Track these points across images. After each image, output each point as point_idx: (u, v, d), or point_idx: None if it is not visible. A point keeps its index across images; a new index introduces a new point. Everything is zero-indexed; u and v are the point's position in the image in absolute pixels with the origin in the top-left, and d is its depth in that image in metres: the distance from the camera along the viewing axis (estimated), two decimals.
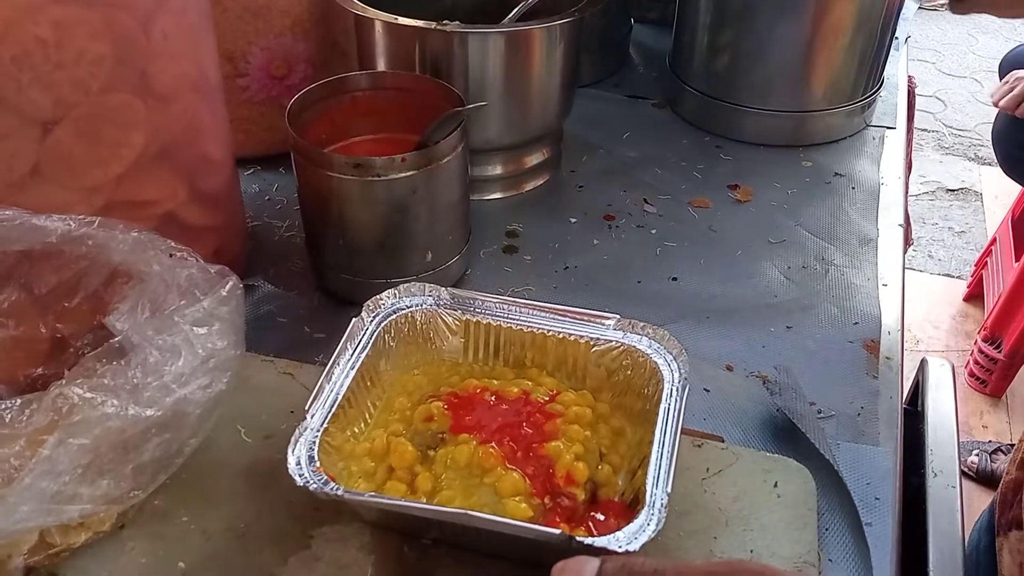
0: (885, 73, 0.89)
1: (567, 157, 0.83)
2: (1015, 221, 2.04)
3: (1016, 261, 1.92)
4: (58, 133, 0.48)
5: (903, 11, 0.97)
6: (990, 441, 1.72)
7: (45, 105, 0.47)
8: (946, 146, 2.69)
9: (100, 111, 0.49)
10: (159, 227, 0.56)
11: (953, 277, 2.27)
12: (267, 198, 0.76)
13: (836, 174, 0.81)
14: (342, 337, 0.51)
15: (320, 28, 0.75)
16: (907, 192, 1.30)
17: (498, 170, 0.77)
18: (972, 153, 2.63)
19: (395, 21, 0.66)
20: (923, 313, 2.15)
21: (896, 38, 0.99)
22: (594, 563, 0.35)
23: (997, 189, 2.47)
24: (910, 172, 1.28)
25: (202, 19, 0.56)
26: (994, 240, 2.10)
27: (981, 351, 1.92)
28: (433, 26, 0.65)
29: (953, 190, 2.52)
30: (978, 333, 1.96)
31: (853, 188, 0.79)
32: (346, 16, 0.70)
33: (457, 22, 0.66)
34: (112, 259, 0.50)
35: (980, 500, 1.60)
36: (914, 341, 2.09)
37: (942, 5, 3.11)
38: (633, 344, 0.51)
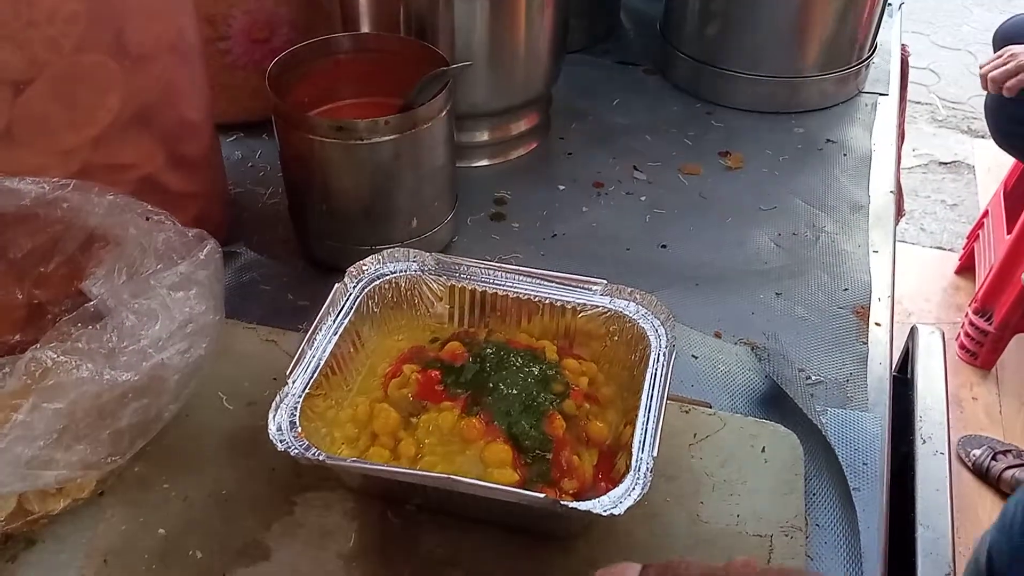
0: (878, 39, 0.88)
1: (556, 124, 0.82)
2: (1007, 194, 2.03)
3: (1008, 234, 1.92)
4: (31, 94, 0.47)
5: None
6: (1000, 441, 1.70)
7: (17, 64, 0.46)
8: (939, 119, 2.68)
9: (74, 71, 0.48)
10: (137, 192, 0.55)
11: (945, 250, 2.27)
12: (250, 165, 0.75)
13: (828, 141, 0.80)
14: (327, 300, 0.50)
15: None
16: (899, 162, 1.30)
17: (485, 136, 0.76)
18: (965, 126, 2.62)
19: None
20: (915, 286, 2.15)
21: (890, 4, 0.98)
22: (635, 568, 0.35)
23: (990, 162, 2.46)
24: (903, 142, 1.27)
25: None
26: (986, 213, 2.10)
27: (972, 323, 1.92)
28: None
29: (946, 163, 2.51)
30: (969, 305, 1.96)
31: (845, 155, 0.78)
32: None
33: None
34: (88, 223, 0.49)
35: (970, 488, 1.61)
36: (905, 314, 2.09)
37: None
38: (620, 310, 0.51)
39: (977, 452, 1.66)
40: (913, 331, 0.67)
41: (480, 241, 0.68)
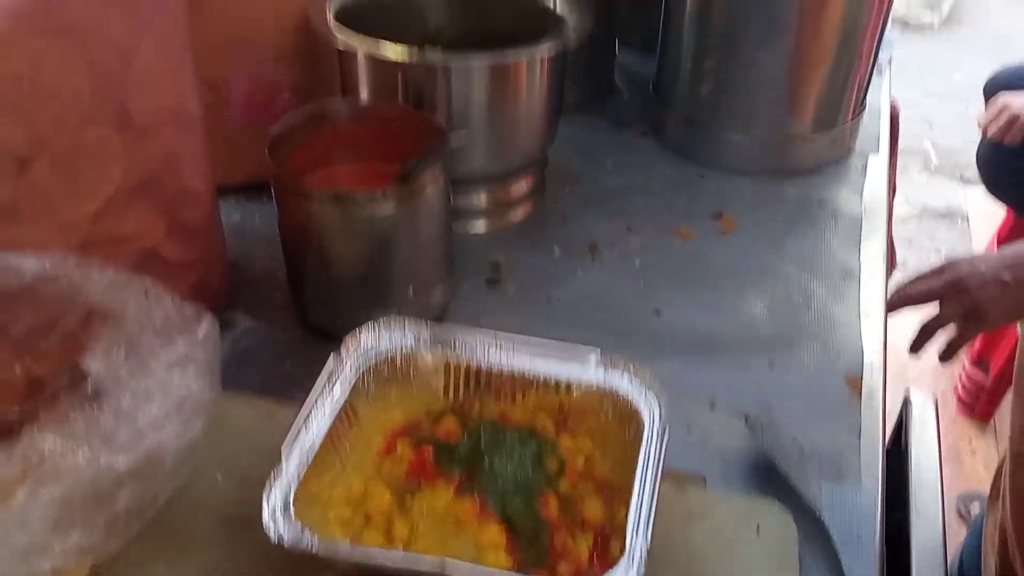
0: (868, 99, 0.89)
1: (551, 186, 0.83)
2: (1000, 244, 2.05)
3: None
4: (34, 170, 0.48)
5: (886, 34, 0.98)
6: None
7: (21, 141, 0.47)
8: (932, 167, 2.71)
9: (77, 146, 0.49)
10: (138, 263, 0.56)
11: None
12: (249, 228, 0.76)
13: (819, 203, 0.81)
14: (321, 374, 0.50)
15: (303, 55, 0.75)
16: (891, 216, 1.31)
17: (482, 200, 0.77)
18: (958, 174, 2.64)
19: (377, 53, 0.66)
20: (911, 337, 2.16)
21: (879, 62, 1.00)
22: None
23: (983, 211, 2.48)
24: (894, 195, 1.29)
25: (181, 50, 0.56)
26: None
27: (969, 376, 1.93)
28: (415, 59, 0.65)
29: (939, 212, 2.54)
30: (965, 356, 1.97)
31: (835, 218, 0.79)
32: (329, 46, 0.70)
33: (439, 52, 0.66)
34: (88, 298, 0.49)
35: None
36: (902, 365, 2.10)
37: (929, 25, 3.14)
38: (613, 385, 0.51)
39: (977, 507, 1.65)
40: (907, 401, 0.68)
41: (476, 307, 0.69)
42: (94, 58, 0.47)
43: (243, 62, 0.72)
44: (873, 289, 0.72)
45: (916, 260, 2.39)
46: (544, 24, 0.76)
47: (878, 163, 0.87)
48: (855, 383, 0.63)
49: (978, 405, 1.91)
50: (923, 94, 3.04)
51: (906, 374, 2.08)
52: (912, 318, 0.81)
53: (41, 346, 0.51)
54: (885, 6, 0.81)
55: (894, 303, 0.78)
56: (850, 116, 0.85)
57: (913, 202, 2.59)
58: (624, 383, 0.51)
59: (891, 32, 0.96)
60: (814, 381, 0.63)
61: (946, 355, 0.83)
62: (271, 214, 0.76)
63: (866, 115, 0.89)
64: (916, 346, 0.78)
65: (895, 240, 1.72)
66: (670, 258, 0.75)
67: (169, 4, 0.53)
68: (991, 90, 1.81)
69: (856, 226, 0.78)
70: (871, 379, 0.64)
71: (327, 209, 0.58)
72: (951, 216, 2.55)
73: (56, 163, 0.48)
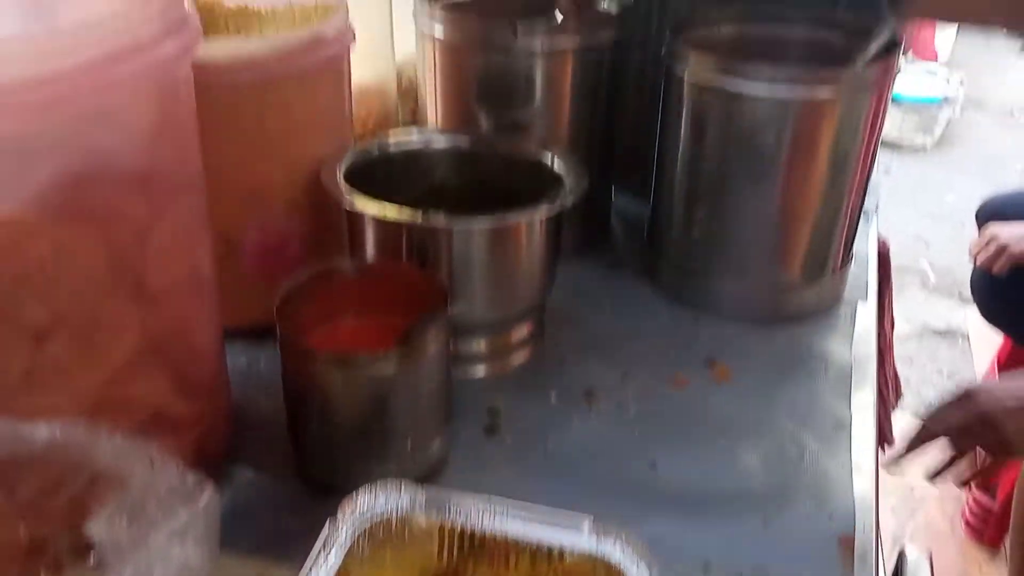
0: (856, 245, 0.93)
1: (550, 329, 0.85)
2: (1000, 368, 2.06)
3: None
4: (52, 342, 0.50)
5: (871, 182, 1.03)
6: None
7: (41, 317, 0.49)
8: (930, 286, 2.75)
9: (94, 319, 0.51)
10: (144, 421, 0.57)
11: None
12: (255, 372, 0.78)
13: (810, 352, 0.83)
14: (319, 533, 0.51)
15: (314, 207, 0.79)
16: (891, 349, 1.33)
17: (482, 346, 0.79)
18: (956, 293, 2.68)
19: (383, 215, 0.70)
20: (930, 467, 2.14)
21: (866, 210, 1.04)
22: None
23: (983, 331, 2.50)
24: (892, 329, 1.31)
25: (198, 222, 0.60)
26: None
27: (976, 500, 1.90)
28: (419, 220, 0.69)
29: (939, 331, 2.56)
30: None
31: (826, 368, 0.81)
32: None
33: (442, 213, 0.70)
34: (95, 464, 0.51)
35: None
36: (909, 488, 2.07)
37: (921, 147, 3.25)
38: (605, 553, 0.52)
39: None
40: (900, 557, 0.68)
41: (473, 457, 0.70)
42: (113, 239, 0.50)
43: (256, 216, 0.75)
44: (864, 441, 0.73)
45: (918, 379, 2.40)
46: (542, 178, 0.81)
47: (866, 311, 0.89)
48: (848, 543, 0.63)
49: (987, 531, 1.88)
50: (918, 214, 3.11)
51: (914, 496, 2.05)
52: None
53: (45, 508, 0.52)
54: (870, 159, 0.85)
55: (918, 440, 0.79)
56: (837, 267, 0.88)
57: (913, 321, 2.62)
58: (616, 552, 0.52)
59: (882, 158, 1.01)
60: (807, 540, 0.63)
61: (968, 483, 0.84)
62: (276, 358, 0.78)
63: (854, 263, 0.92)
64: (935, 476, 0.79)
65: (897, 360, 1.73)
66: (665, 407, 0.76)
67: (187, 183, 0.56)
68: (983, 216, 1.86)
69: (846, 377, 0.80)
70: (863, 537, 0.64)
71: (330, 369, 0.60)
72: (951, 335, 2.57)
73: (72, 335, 0.50)
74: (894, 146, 3.53)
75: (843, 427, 0.74)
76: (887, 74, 0.79)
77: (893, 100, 3.47)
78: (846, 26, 0.88)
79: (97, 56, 0.45)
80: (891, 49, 0.82)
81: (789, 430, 0.74)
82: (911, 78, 3.60)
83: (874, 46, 0.81)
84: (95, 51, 0.45)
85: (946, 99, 3.57)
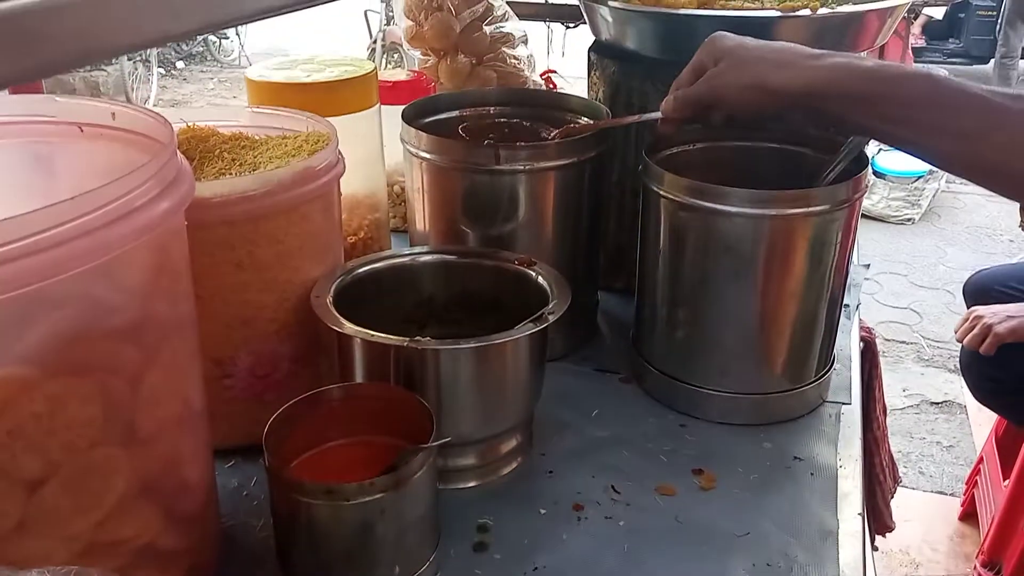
0: (839, 345, 0.95)
1: (538, 437, 0.87)
2: (999, 439, 2.05)
3: (1004, 480, 1.92)
4: (44, 491, 0.51)
5: (850, 280, 1.05)
6: None
7: (35, 467, 0.51)
8: (926, 358, 2.76)
9: (86, 466, 0.53)
10: (135, 559, 0.58)
11: (946, 495, 2.25)
12: (245, 493, 0.79)
13: (795, 458, 0.84)
14: None
15: (304, 329, 0.81)
16: (886, 436, 1.33)
17: (471, 460, 0.80)
18: (952, 364, 2.69)
19: (371, 338, 0.72)
20: (920, 534, 2.12)
21: (847, 306, 1.06)
22: None
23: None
24: (885, 416, 1.32)
25: (189, 358, 0.62)
26: (981, 459, 2.11)
27: None
28: (406, 343, 0.71)
29: (937, 403, 2.56)
30: (976, 558, 1.92)
31: (812, 474, 0.82)
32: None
33: (429, 338, 0.72)
34: None
35: None
36: (913, 565, 2.05)
37: (908, 220, 3.29)
38: None
39: None
40: None
41: None
42: (106, 387, 0.52)
43: (247, 341, 0.77)
44: (852, 549, 0.73)
45: (917, 453, 2.39)
46: (527, 289, 0.83)
47: (851, 412, 0.90)
48: None
49: None
50: (909, 286, 3.15)
51: (919, 574, 2.02)
52: None
53: None
54: (845, 263, 0.87)
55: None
56: (820, 370, 0.90)
57: (911, 393, 2.62)
58: None
59: (870, 231, 1.03)
60: None
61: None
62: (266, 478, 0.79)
63: (838, 360, 0.94)
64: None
65: (896, 435, 1.71)
66: (653, 518, 0.77)
67: (179, 324, 0.58)
68: (970, 292, 1.89)
69: (832, 482, 0.80)
70: None
71: (317, 499, 0.61)
72: (949, 406, 2.57)
73: (65, 483, 0.52)
74: (881, 219, 3.59)
75: (830, 535, 0.74)
76: (857, 188, 0.83)
77: (879, 175, 3.55)
78: (814, 143, 0.92)
79: (94, 222, 0.47)
80: (860, 163, 0.85)
81: (776, 541, 0.74)
82: (896, 154, 3.68)
83: (842, 162, 0.85)
84: (92, 217, 0.47)
85: (931, 172, 3.64)
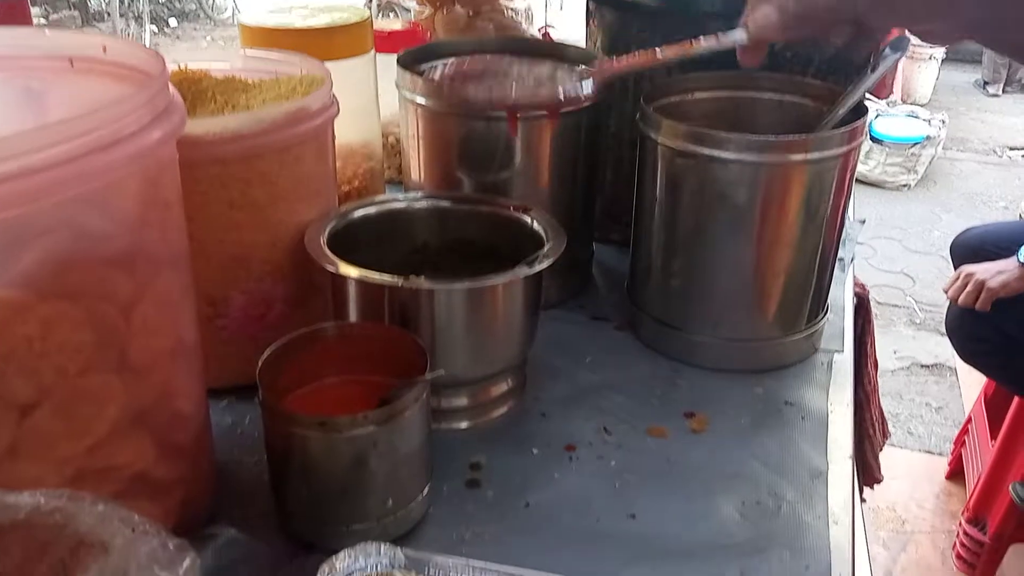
0: (833, 295, 0.95)
1: (532, 382, 0.87)
2: (988, 401, 2.07)
3: (992, 440, 1.94)
4: (36, 414, 0.52)
5: (846, 233, 1.05)
6: None
7: (27, 391, 0.51)
8: (917, 322, 2.77)
9: (78, 391, 0.53)
10: (127, 488, 0.58)
11: (934, 454, 2.28)
12: (239, 431, 0.79)
13: (786, 403, 0.84)
14: None
15: (298, 270, 0.81)
16: (876, 392, 1.34)
17: (464, 401, 0.81)
18: (943, 328, 2.70)
19: (365, 278, 0.72)
20: (907, 492, 2.15)
21: (841, 259, 1.06)
22: None
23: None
24: (876, 370, 1.33)
25: (182, 292, 0.61)
26: (969, 419, 2.13)
27: (967, 533, 1.91)
28: (400, 283, 0.71)
29: (927, 365, 2.58)
30: (962, 514, 1.95)
31: (803, 418, 0.82)
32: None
33: (423, 277, 0.72)
34: (78, 530, 0.52)
35: None
36: (900, 522, 2.08)
37: (905, 185, 3.29)
38: None
39: None
40: None
41: (455, 512, 0.71)
42: (98, 314, 0.52)
43: (240, 281, 0.77)
44: (841, 490, 0.74)
45: (907, 414, 2.41)
46: (523, 236, 0.83)
47: (843, 360, 0.91)
48: None
49: (979, 564, 1.88)
50: (903, 250, 3.15)
51: (905, 529, 2.05)
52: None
53: (30, 574, 0.53)
54: (840, 213, 0.87)
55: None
56: (813, 319, 0.90)
57: (902, 356, 2.64)
58: None
59: (866, 196, 1.03)
60: None
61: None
62: (261, 417, 0.80)
63: (831, 312, 0.94)
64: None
65: (886, 396, 1.73)
66: (644, 458, 0.77)
67: (172, 258, 0.58)
68: (957, 251, 1.88)
69: (822, 426, 0.81)
70: None
71: (311, 432, 0.62)
72: (939, 369, 2.59)
73: (56, 407, 0.52)
74: (878, 185, 3.59)
75: (820, 476, 0.75)
76: (854, 138, 0.82)
77: (877, 140, 3.54)
78: (814, 93, 0.91)
79: (85, 146, 0.47)
80: (858, 113, 0.85)
81: (766, 480, 0.75)
82: (894, 120, 3.67)
83: (841, 110, 0.84)
84: (83, 142, 0.47)
85: (928, 138, 3.63)
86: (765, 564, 0.67)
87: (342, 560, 0.56)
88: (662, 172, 0.87)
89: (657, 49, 0.77)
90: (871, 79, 0.87)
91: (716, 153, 0.81)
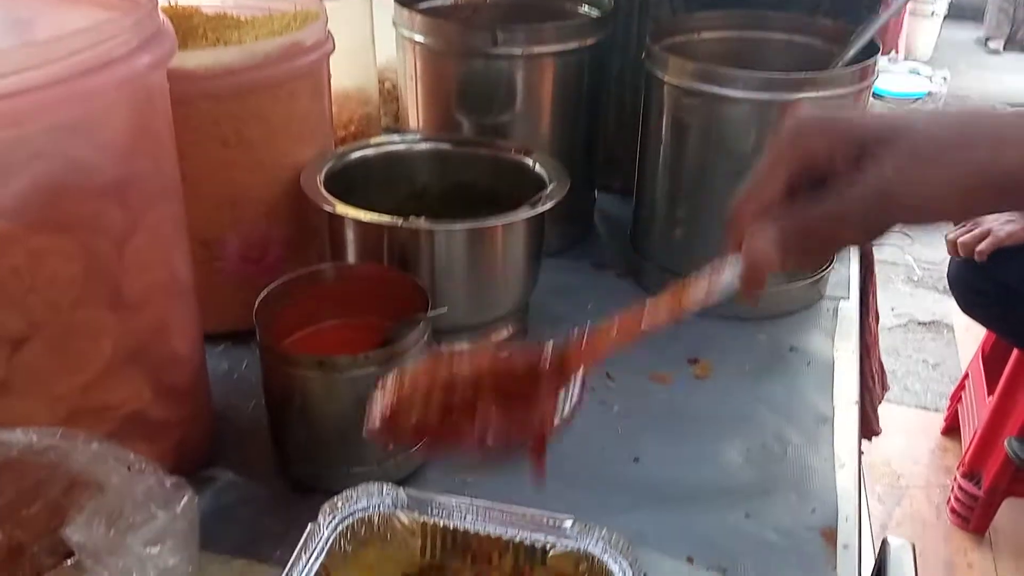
0: None
1: (533, 328, 0.86)
2: (985, 357, 2.07)
3: (988, 396, 1.95)
4: (27, 349, 0.50)
5: None
6: None
7: (17, 325, 0.49)
8: (915, 279, 2.76)
9: (70, 326, 0.51)
10: (123, 427, 0.57)
11: (930, 410, 2.29)
12: (235, 376, 0.78)
13: (791, 348, 0.83)
14: (301, 535, 0.51)
15: (294, 213, 0.79)
16: (876, 343, 1.33)
17: (465, 347, 0.79)
18: (941, 286, 2.69)
19: (363, 219, 0.70)
20: (903, 447, 2.16)
21: None
22: None
23: (968, 322, 2.52)
24: (877, 323, 1.32)
25: (175, 227, 0.60)
26: (967, 375, 2.14)
27: (961, 487, 1.92)
28: (399, 223, 0.69)
29: (924, 322, 2.57)
30: (957, 469, 1.96)
31: (808, 363, 0.81)
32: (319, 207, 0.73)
33: (423, 218, 0.70)
34: (72, 469, 0.51)
35: None
36: (895, 476, 2.09)
37: None
38: (588, 550, 0.52)
39: None
40: (884, 546, 0.68)
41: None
42: (90, 247, 0.50)
43: (235, 222, 0.75)
44: (847, 435, 0.73)
45: (904, 370, 2.41)
46: (524, 180, 0.81)
47: (848, 307, 0.89)
48: (830, 535, 0.63)
49: (973, 518, 1.90)
50: None
51: (900, 484, 2.07)
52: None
53: (23, 514, 0.52)
54: None
55: None
56: (818, 267, 0.89)
57: (899, 313, 2.63)
58: (599, 548, 0.52)
59: None
60: (790, 533, 0.63)
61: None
62: (258, 362, 0.78)
63: (836, 260, 0.93)
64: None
65: (883, 352, 1.74)
66: (648, 404, 0.76)
67: (164, 191, 0.56)
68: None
69: (828, 372, 0.80)
70: (846, 531, 0.64)
71: (310, 372, 0.60)
72: (937, 326, 2.59)
73: (49, 342, 0.50)
74: None
75: (826, 421, 0.74)
76: (865, 76, 0.80)
77: (878, 96, 3.50)
78: (825, 32, 0.89)
79: (71, 68, 0.45)
80: (869, 52, 0.82)
81: (772, 425, 0.74)
82: (896, 76, 3.63)
83: (852, 50, 0.82)
84: (69, 63, 0.45)
85: (930, 94, 3.60)
86: (771, 507, 0.66)
87: (344, 500, 0.55)
88: (668, 113, 0.84)
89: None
90: (882, 18, 0.84)
91: (724, 91, 0.78)
